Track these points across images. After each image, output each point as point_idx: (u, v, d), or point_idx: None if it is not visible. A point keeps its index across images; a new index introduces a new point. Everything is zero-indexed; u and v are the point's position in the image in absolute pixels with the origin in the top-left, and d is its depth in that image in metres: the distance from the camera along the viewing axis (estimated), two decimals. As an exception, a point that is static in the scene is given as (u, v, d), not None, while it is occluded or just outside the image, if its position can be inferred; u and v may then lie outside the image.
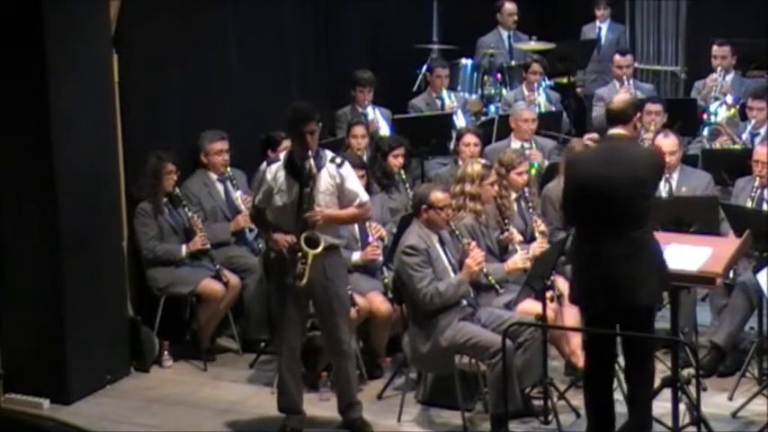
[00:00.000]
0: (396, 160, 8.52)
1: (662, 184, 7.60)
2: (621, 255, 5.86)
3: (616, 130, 6.10)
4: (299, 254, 6.59)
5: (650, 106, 8.93)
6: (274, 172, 6.75)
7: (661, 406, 6.33)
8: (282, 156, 6.87)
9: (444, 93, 10.31)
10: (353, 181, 6.84)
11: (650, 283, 5.92)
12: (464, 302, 6.94)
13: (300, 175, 6.66)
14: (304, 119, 6.67)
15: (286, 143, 8.57)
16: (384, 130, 9.69)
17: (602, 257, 5.91)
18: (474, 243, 7.09)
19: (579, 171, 6.12)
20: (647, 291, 5.91)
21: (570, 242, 6.74)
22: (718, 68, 9.95)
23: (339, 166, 6.75)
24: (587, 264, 6.01)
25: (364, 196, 6.91)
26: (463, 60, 11.07)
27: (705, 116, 9.59)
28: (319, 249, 6.60)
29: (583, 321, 6.33)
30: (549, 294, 6.98)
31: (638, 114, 6.23)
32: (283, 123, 8.87)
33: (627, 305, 5.91)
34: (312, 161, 6.63)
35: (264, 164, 6.91)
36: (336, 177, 6.73)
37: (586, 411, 6.22)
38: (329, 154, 6.82)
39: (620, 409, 6.30)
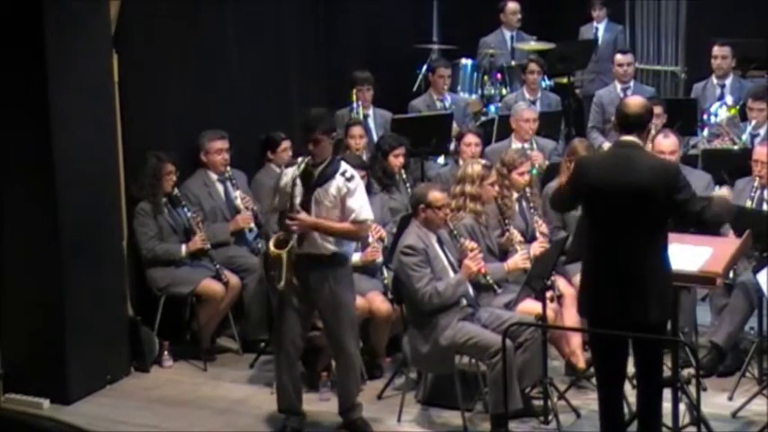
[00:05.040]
0: (396, 160, 8.51)
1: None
2: (632, 268, 5.68)
3: (630, 138, 5.84)
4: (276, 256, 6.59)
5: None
6: (290, 175, 6.73)
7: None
8: (300, 159, 6.80)
9: (448, 96, 10.27)
10: (358, 198, 6.67)
11: (662, 300, 5.76)
12: (464, 302, 6.94)
13: (308, 181, 6.66)
14: (306, 128, 6.66)
15: (285, 143, 8.63)
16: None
17: (610, 270, 5.72)
18: (473, 243, 7.10)
19: (590, 177, 5.85)
20: (659, 308, 5.73)
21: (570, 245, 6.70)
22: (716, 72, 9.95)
23: (348, 180, 6.65)
24: (597, 276, 5.81)
25: (363, 215, 6.68)
26: (463, 60, 11.07)
27: (705, 116, 9.59)
28: (284, 251, 6.55)
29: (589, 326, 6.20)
30: (549, 294, 6.98)
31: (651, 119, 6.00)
32: (283, 124, 8.98)
33: (638, 322, 5.71)
34: (320, 169, 6.63)
35: (283, 167, 7.01)
36: (342, 189, 6.64)
37: (599, 412, 6.12)
38: (344, 166, 6.70)
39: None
